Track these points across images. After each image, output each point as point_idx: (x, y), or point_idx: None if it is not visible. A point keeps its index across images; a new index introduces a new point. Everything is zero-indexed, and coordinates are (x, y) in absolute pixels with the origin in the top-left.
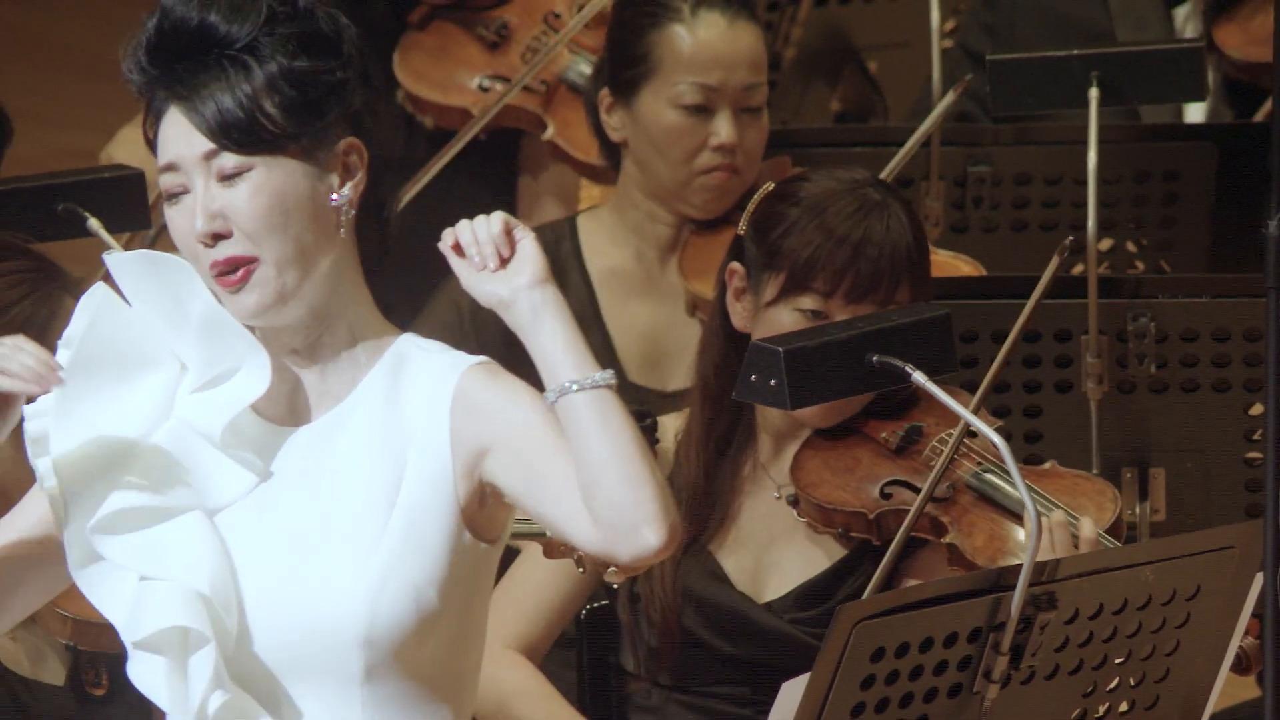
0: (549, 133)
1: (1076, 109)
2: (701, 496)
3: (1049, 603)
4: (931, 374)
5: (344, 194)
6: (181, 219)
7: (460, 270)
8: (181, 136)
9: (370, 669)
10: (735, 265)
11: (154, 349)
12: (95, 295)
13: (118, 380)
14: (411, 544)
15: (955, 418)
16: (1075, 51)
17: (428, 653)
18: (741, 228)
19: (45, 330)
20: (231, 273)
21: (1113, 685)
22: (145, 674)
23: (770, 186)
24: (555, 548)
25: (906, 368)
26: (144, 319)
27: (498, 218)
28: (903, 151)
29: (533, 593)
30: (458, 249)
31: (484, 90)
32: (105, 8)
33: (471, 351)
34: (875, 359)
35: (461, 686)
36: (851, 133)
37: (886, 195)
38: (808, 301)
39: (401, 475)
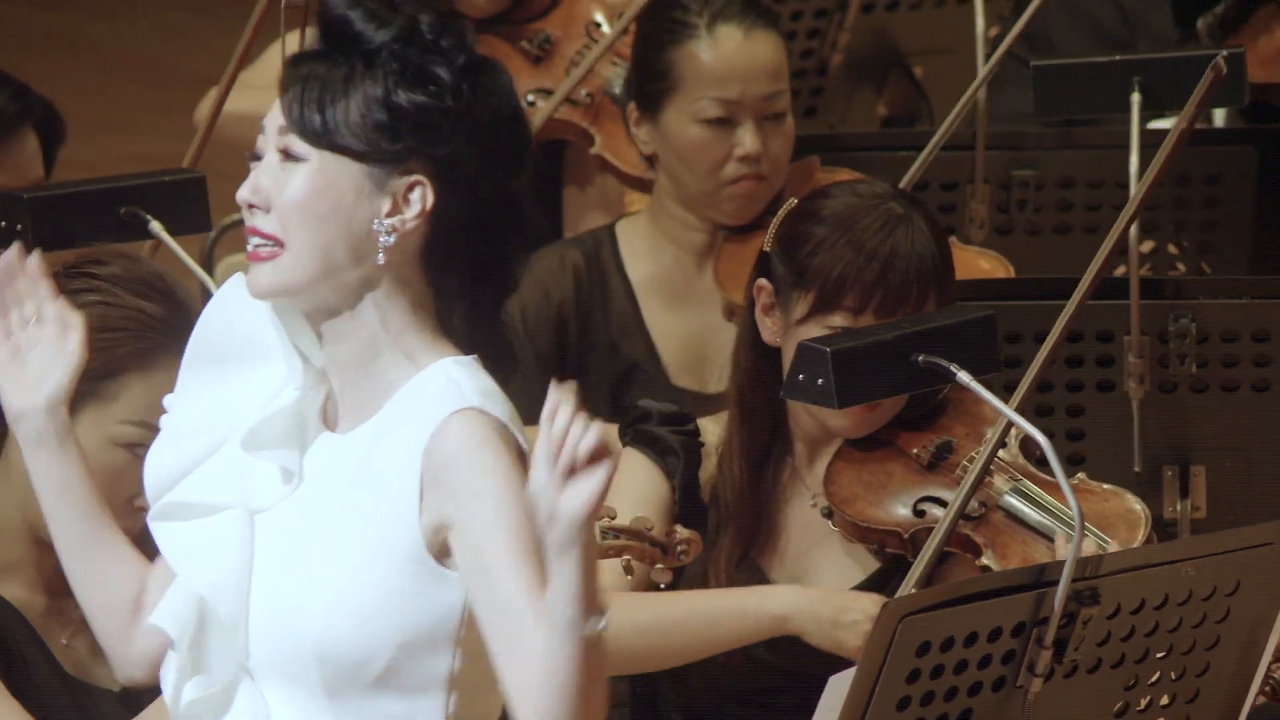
0: (596, 146)
1: (1119, 114)
2: (748, 510)
3: (1092, 598)
4: (975, 374)
5: (385, 222)
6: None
7: (541, 439)
8: (277, 108)
9: (328, 683)
10: (763, 282)
11: (264, 346)
12: (230, 286)
13: (225, 371)
14: (367, 571)
15: (985, 431)
16: (1118, 57)
17: (395, 669)
18: (767, 245)
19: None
20: (258, 246)
21: (1154, 679)
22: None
23: (794, 203)
24: (604, 550)
25: (951, 367)
26: (262, 318)
27: (593, 433)
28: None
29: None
30: (552, 416)
31: (529, 104)
32: (168, 15)
33: (524, 353)
34: (920, 359)
35: (443, 701)
36: (897, 137)
37: (909, 207)
38: (838, 319)
39: (378, 504)
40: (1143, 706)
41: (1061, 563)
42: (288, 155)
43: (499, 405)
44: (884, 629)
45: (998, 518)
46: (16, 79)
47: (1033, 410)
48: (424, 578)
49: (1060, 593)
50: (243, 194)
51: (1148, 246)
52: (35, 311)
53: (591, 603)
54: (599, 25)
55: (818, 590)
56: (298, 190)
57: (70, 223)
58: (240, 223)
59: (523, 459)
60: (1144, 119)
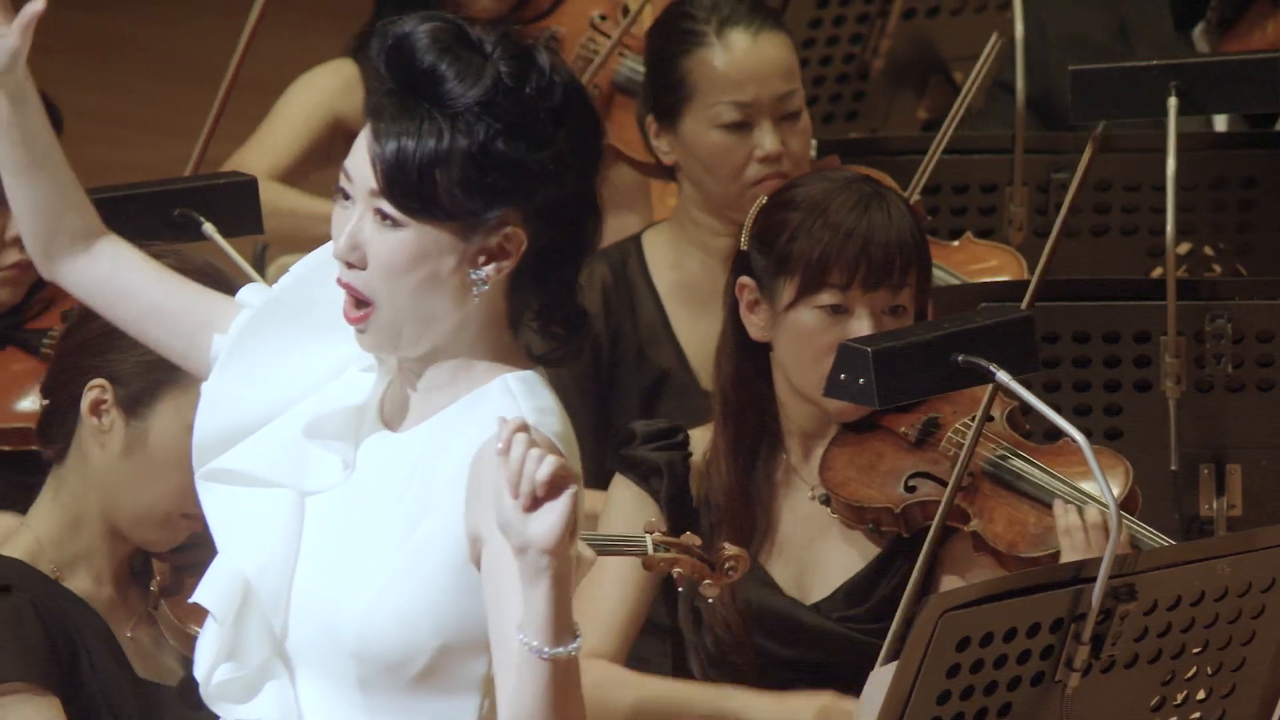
0: (606, 136)
1: (1156, 118)
2: (740, 509)
3: (1129, 594)
4: (1014, 373)
5: (482, 272)
6: (338, 223)
7: (485, 474)
8: (363, 156)
9: (363, 679)
10: (744, 280)
11: (340, 321)
12: (318, 254)
13: (293, 339)
14: (412, 575)
15: (970, 407)
16: (1155, 62)
17: (434, 670)
18: (744, 244)
19: None
20: (354, 307)
21: (1190, 674)
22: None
23: (763, 200)
24: (655, 562)
25: (990, 367)
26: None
27: (549, 463)
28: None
29: (605, 607)
30: (506, 450)
31: None
32: (221, 21)
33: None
34: (960, 359)
35: (478, 703)
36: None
37: (879, 188)
38: (826, 297)
39: (426, 507)
40: (1179, 701)
41: (1099, 560)
42: (383, 216)
43: (552, 423)
44: (925, 625)
45: (985, 485)
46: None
47: (1071, 410)
48: (465, 584)
49: (1098, 589)
50: (340, 251)
51: (1184, 248)
52: None
53: (562, 630)
54: (603, 19)
55: (773, 695)
56: (394, 256)
57: (125, 224)
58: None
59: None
60: (1180, 123)
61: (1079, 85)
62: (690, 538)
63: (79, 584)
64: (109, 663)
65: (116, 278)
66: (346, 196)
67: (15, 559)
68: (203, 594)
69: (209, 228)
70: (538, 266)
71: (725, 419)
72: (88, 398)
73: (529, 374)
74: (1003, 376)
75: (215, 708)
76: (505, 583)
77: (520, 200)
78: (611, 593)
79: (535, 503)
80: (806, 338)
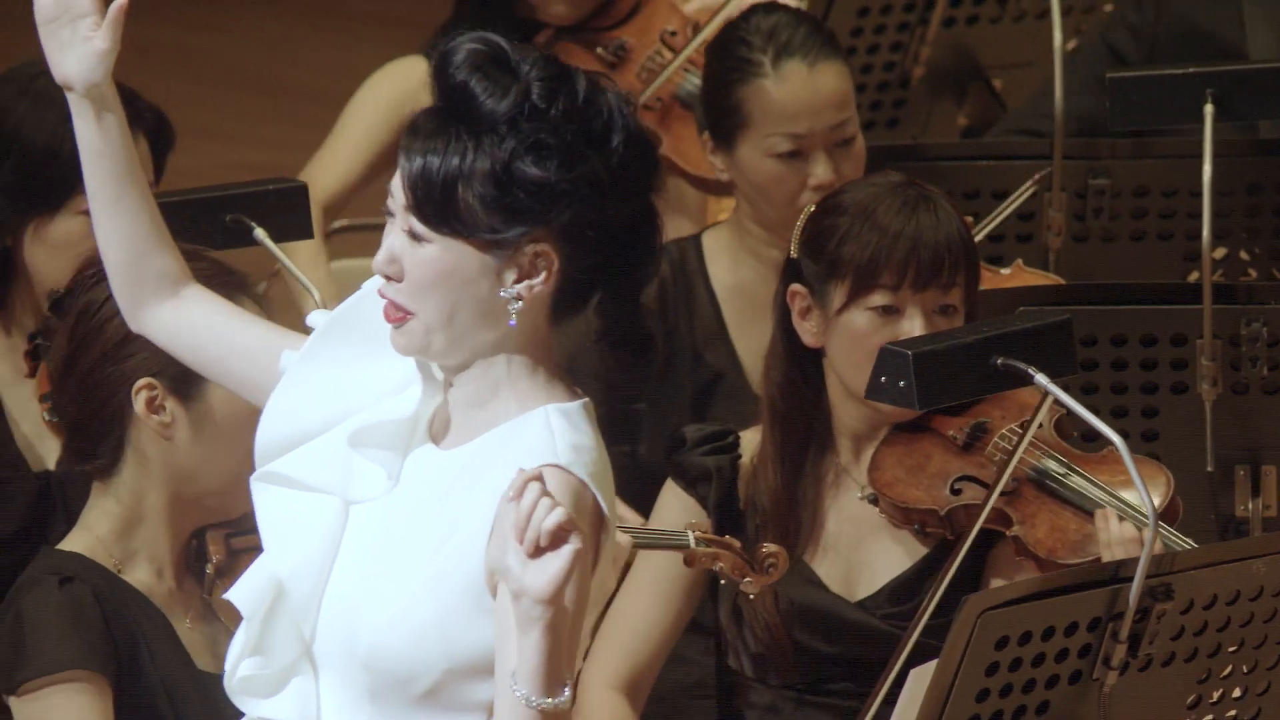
0: (662, 147)
1: (1192, 124)
2: (786, 511)
3: (1165, 594)
4: (1053, 376)
5: (512, 290)
6: (383, 239)
7: (505, 517)
8: (401, 177)
9: (373, 690)
10: (795, 287)
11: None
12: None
13: (356, 353)
14: (431, 595)
15: (1019, 413)
16: (1191, 69)
17: (440, 690)
18: (793, 251)
19: None
20: (393, 310)
21: (1226, 672)
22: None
23: (811, 208)
24: (697, 557)
25: (1030, 370)
26: None
27: (557, 515)
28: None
29: (632, 628)
30: (517, 497)
31: None
32: (267, 27)
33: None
34: (999, 361)
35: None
36: (978, 147)
37: (926, 190)
38: (878, 298)
39: (453, 531)
40: (1215, 699)
41: (1136, 560)
42: (413, 234)
43: (587, 462)
44: (964, 624)
45: (1029, 491)
46: (127, 86)
47: (1108, 412)
48: (480, 610)
49: (1135, 588)
50: (379, 264)
51: (1220, 253)
52: None
53: (554, 680)
54: (673, 34)
55: None
56: (423, 270)
57: (177, 230)
58: (342, 230)
59: (598, 522)
60: (1217, 130)
61: (1116, 92)
62: (731, 540)
63: (139, 577)
64: (168, 653)
65: (201, 324)
66: (390, 214)
67: (75, 553)
68: (236, 591)
69: (260, 233)
70: (581, 288)
71: (774, 425)
72: (139, 401)
73: (572, 406)
74: (1041, 379)
75: (237, 702)
76: (510, 624)
77: (545, 220)
78: (645, 607)
79: (538, 551)
80: (859, 339)
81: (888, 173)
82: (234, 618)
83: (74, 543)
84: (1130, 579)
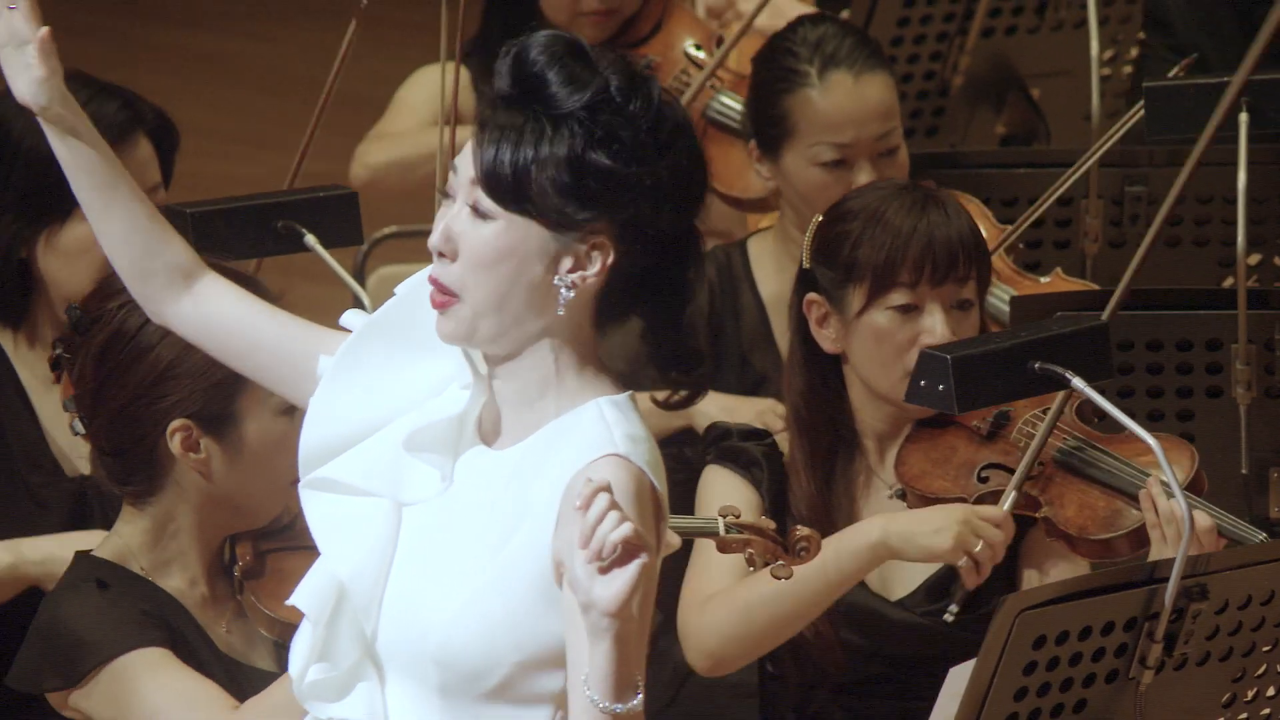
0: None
1: (1227, 132)
2: (822, 516)
3: (1200, 594)
4: (1089, 380)
5: (565, 278)
6: (438, 221)
7: (569, 526)
8: (468, 152)
9: (443, 686)
10: (811, 296)
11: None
12: (421, 274)
13: (395, 356)
14: (498, 589)
15: (1040, 400)
16: (1226, 78)
17: (511, 682)
18: (806, 262)
19: None
20: (439, 294)
21: (1261, 671)
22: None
23: (819, 218)
24: (729, 543)
25: (1066, 374)
26: None
27: (625, 529)
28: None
29: (714, 565)
30: (585, 507)
31: None
32: (323, 39)
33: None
34: (1037, 365)
35: (550, 715)
36: (1016, 155)
37: (931, 191)
38: (897, 297)
39: (516, 526)
40: (1250, 698)
41: (1172, 560)
42: (478, 210)
43: (643, 452)
44: (1002, 624)
45: (1055, 473)
46: (126, 89)
47: (1145, 415)
48: (548, 602)
49: (1171, 589)
50: (434, 241)
51: (1255, 259)
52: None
53: (625, 685)
54: (698, 49)
55: (903, 513)
56: (483, 248)
57: (229, 236)
58: (390, 236)
59: (658, 510)
60: (1251, 137)
61: (1152, 102)
62: (764, 520)
63: (172, 583)
64: (205, 653)
65: (225, 315)
66: (448, 196)
67: (105, 560)
68: (299, 596)
69: (311, 239)
70: (626, 294)
71: (800, 433)
72: (175, 442)
73: (622, 398)
74: (1078, 383)
75: (308, 706)
76: (580, 627)
77: (611, 210)
78: (714, 562)
79: (606, 565)
80: (882, 339)
81: (889, 179)
82: (264, 620)
83: (105, 550)
84: (1166, 579)
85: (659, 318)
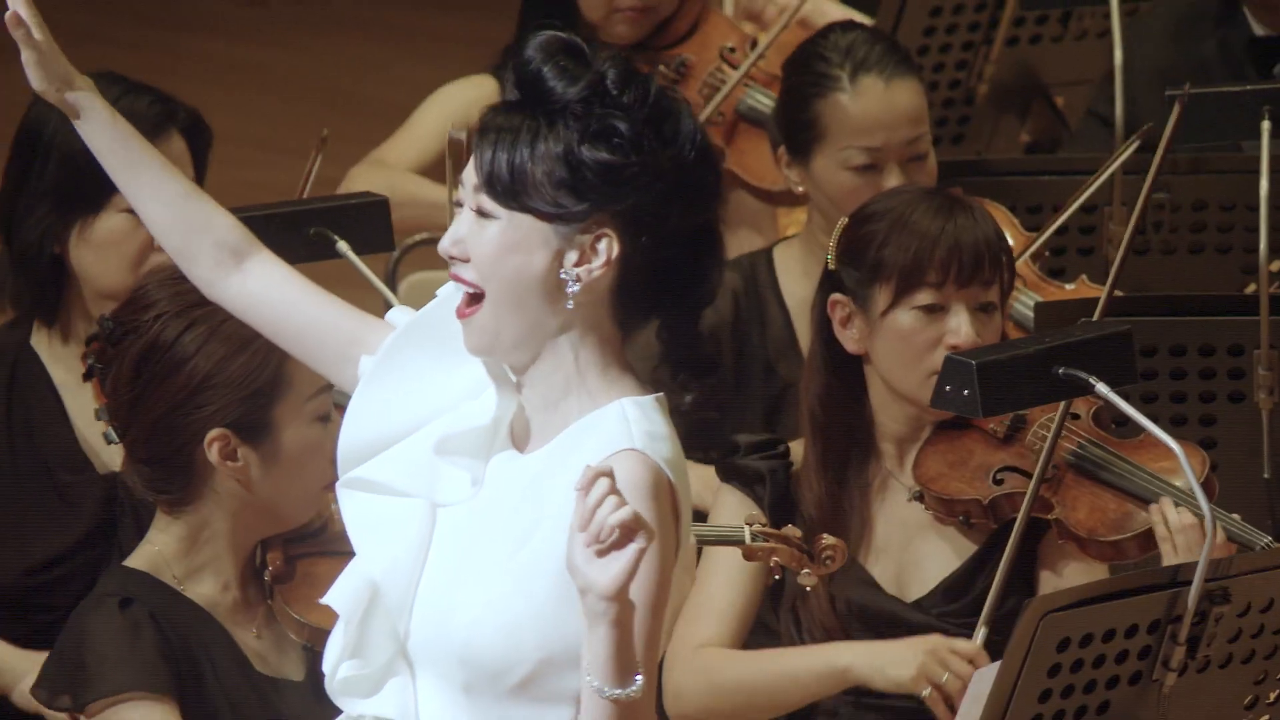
0: (726, 161)
1: (1250, 140)
2: (831, 518)
3: (1223, 597)
4: (1113, 385)
5: (571, 271)
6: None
7: (573, 514)
8: (471, 160)
9: (467, 683)
10: (836, 296)
11: None
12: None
13: (435, 358)
14: (520, 589)
15: (1056, 405)
16: (1249, 87)
17: (533, 680)
18: (831, 264)
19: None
20: (466, 304)
21: None
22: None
23: (844, 221)
24: (755, 551)
25: (1090, 379)
26: None
27: (624, 512)
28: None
29: (714, 602)
30: (584, 490)
31: None
32: (347, 46)
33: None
34: (1061, 371)
35: (571, 714)
36: (1040, 163)
37: (956, 195)
38: (923, 297)
39: (537, 526)
40: (1271, 700)
41: (1195, 564)
42: (482, 212)
43: (663, 449)
44: (1027, 626)
45: (1069, 476)
46: (159, 89)
47: (1167, 420)
48: (570, 600)
49: (1194, 592)
50: (444, 245)
51: (1277, 266)
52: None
53: (624, 671)
54: (732, 51)
55: (874, 642)
56: (488, 246)
57: (263, 242)
58: (422, 243)
59: (674, 507)
60: (1275, 145)
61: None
62: (791, 529)
63: (204, 590)
64: (230, 665)
65: (273, 293)
66: (460, 206)
67: (138, 570)
68: (333, 595)
69: (343, 245)
70: (643, 286)
71: (814, 435)
72: (213, 451)
73: (647, 399)
74: (1102, 388)
75: (340, 702)
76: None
77: (609, 201)
78: (720, 589)
79: (603, 548)
80: (906, 338)
81: (913, 184)
82: (293, 624)
83: (139, 559)
84: (1189, 583)
85: (675, 316)
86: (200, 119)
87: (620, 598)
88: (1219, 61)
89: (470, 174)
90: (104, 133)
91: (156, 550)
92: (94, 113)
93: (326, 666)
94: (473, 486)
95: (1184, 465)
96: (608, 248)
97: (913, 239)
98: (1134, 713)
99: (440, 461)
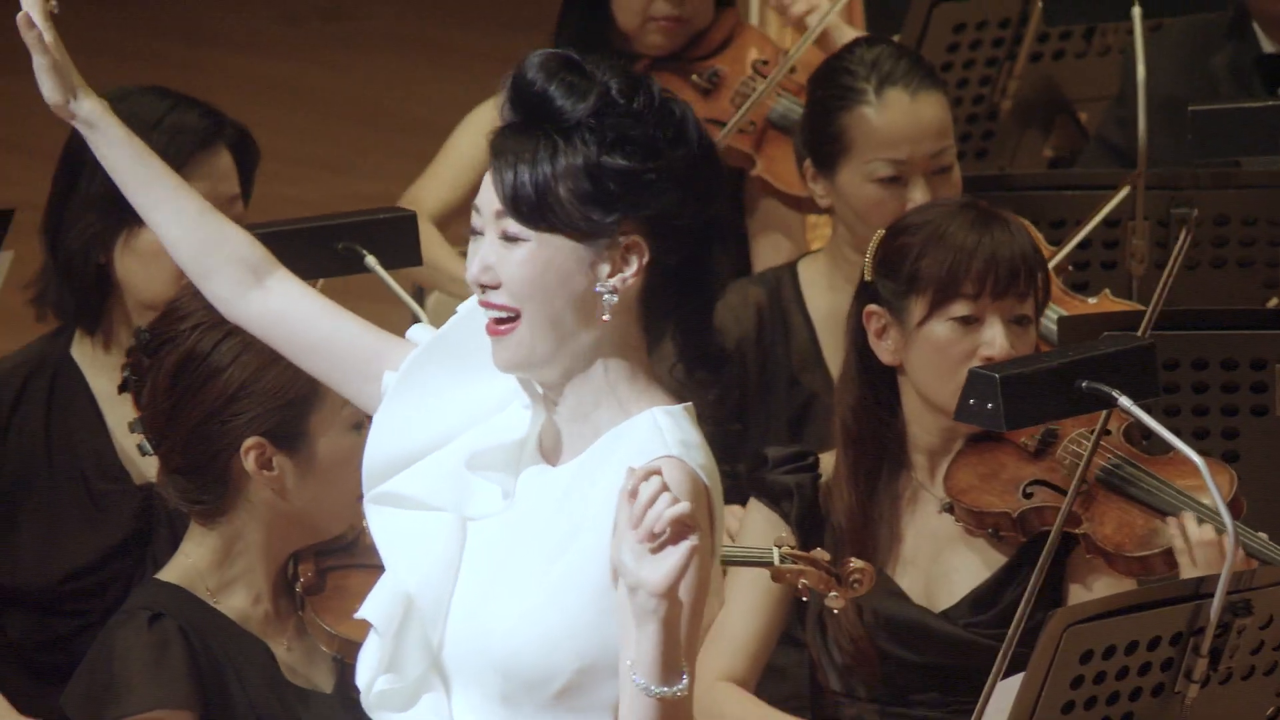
0: (756, 168)
1: (1272, 155)
2: (861, 528)
3: (1245, 609)
4: (1136, 398)
5: (607, 284)
6: (470, 257)
7: (620, 512)
8: (488, 187)
9: (506, 694)
10: (871, 307)
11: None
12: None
13: (458, 373)
14: (557, 599)
15: (1089, 419)
16: (1271, 102)
17: (572, 689)
18: (867, 275)
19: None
20: (497, 323)
21: None
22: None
23: (881, 233)
24: (783, 573)
25: (1113, 393)
26: None
27: (680, 507)
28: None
29: (734, 631)
30: (632, 494)
31: None
32: (381, 63)
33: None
34: (1084, 384)
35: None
36: (1062, 177)
37: (992, 208)
38: (959, 308)
39: (573, 536)
40: None
41: (1217, 576)
42: (507, 236)
43: (698, 456)
44: (1050, 638)
45: (1099, 492)
46: (207, 103)
47: (1190, 433)
48: (607, 609)
49: (1216, 604)
50: (472, 273)
51: None
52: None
53: (670, 670)
54: (764, 63)
55: None
56: (522, 269)
57: (291, 257)
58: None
59: (711, 513)
60: None
61: (1198, 124)
62: (819, 552)
63: (236, 603)
64: (260, 679)
65: (294, 313)
66: (476, 233)
67: (172, 584)
68: (368, 608)
69: (371, 260)
70: (668, 287)
71: (846, 446)
72: (249, 460)
73: (677, 408)
74: (1125, 401)
75: (375, 716)
76: (629, 618)
77: (636, 208)
78: (743, 618)
79: (657, 544)
80: (941, 349)
81: (949, 197)
82: (324, 636)
83: (172, 572)
84: (1211, 595)
85: (692, 312)
86: (247, 134)
87: (671, 595)
88: (1228, 77)
89: (488, 200)
90: (118, 148)
91: (190, 563)
92: (108, 128)
93: (361, 681)
94: (504, 500)
95: (1206, 476)
96: (639, 254)
97: (949, 251)
98: None
99: (470, 476)
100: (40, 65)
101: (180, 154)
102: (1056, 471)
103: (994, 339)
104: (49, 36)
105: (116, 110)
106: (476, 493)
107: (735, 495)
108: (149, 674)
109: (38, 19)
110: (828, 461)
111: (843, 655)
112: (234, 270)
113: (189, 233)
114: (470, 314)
